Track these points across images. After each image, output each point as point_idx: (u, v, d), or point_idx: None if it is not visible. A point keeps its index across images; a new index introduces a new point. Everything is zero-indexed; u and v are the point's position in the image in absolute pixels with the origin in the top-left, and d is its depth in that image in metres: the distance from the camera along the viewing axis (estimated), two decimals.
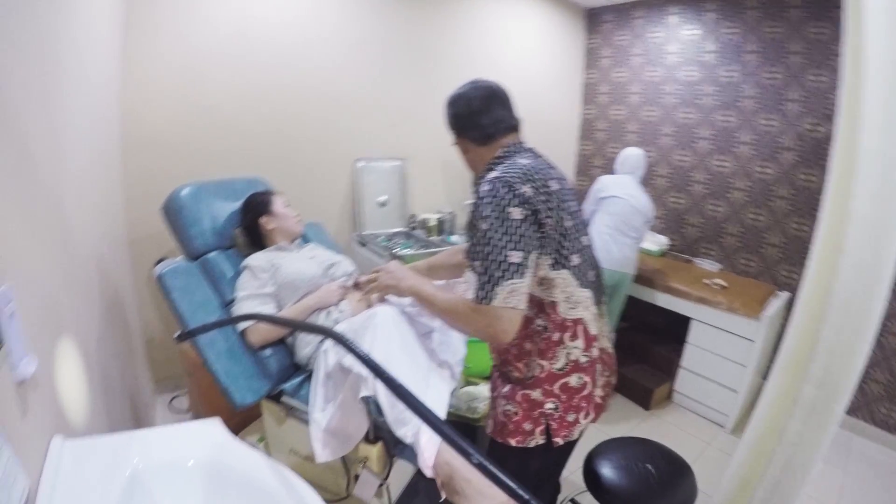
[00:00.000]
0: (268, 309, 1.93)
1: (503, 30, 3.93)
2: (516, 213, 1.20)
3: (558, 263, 1.28)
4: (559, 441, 1.38)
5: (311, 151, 3.19)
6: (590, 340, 1.38)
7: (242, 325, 1.88)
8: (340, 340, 1.11)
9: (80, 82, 1.57)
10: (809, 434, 1.21)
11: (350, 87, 3.26)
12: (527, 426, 1.39)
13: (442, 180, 3.92)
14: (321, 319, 1.95)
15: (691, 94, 3.78)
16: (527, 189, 1.22)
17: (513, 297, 1.19)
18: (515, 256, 1.18)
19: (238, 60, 2.77)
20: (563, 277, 1.29)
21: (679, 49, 3.83)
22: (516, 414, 1.39)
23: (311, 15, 2.99)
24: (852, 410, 3.32)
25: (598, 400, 1.45)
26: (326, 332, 1.21)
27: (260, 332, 1.88)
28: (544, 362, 1.36)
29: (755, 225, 3.53)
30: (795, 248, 3.36)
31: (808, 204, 3.28)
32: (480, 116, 1.43)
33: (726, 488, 1.34)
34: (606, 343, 1.49)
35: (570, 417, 1.38)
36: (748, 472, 1.27)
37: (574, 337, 1.35)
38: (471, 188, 1.45)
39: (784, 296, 3.26)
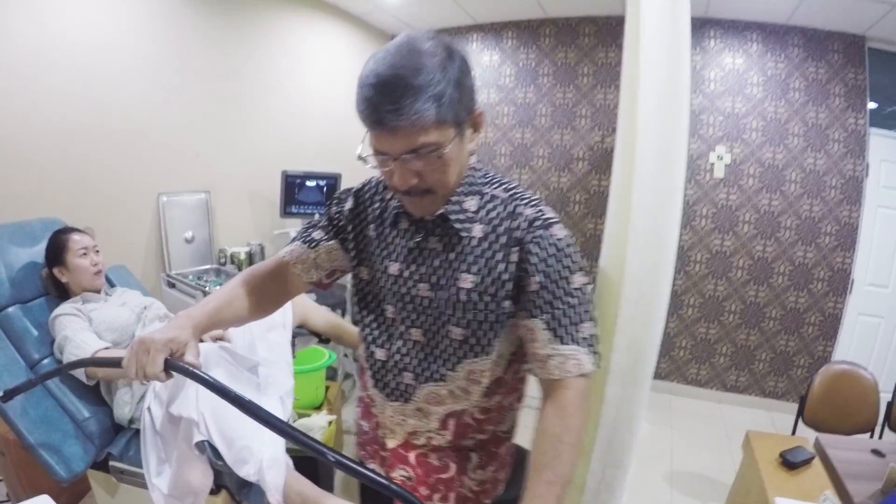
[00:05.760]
0: (102, 344, 1.75)
1: (310, 54, 3.94)
2: None
3: None
4: None
5: (115, 187, 2.88)
6: None
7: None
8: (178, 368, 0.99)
9: None
10: (627, 394, 1.37)
11: (154, 117, 3.02)
12: (501, 476, 1.24)
13: (249, 211, 3.79)
14: None
15: (490, 115, 4.13)
16: None
17: None
18: None
19: (33, 83, 2.42)
20: None
21: (479, 73, 4.16)
22: (501, 470, 1.24)
23: (116, 38, 2.75)
24: (667, 375, 3.95)
25: None
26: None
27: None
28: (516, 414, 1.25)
29: None
30: (594, 245, 3.82)
31: (600, 206, 3.76)
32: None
33: None
34: None
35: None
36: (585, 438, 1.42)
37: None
38: (445, 220, 1.02)
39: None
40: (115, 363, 1.05)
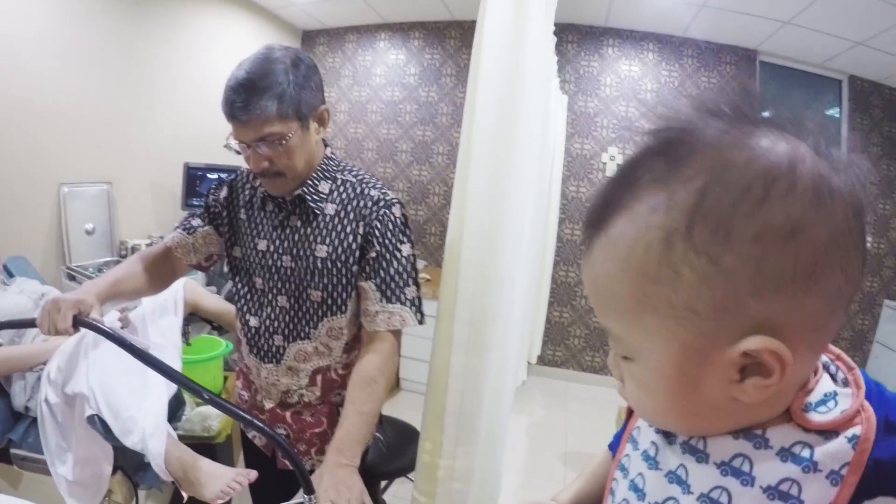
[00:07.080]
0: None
1: (221, 47, 3.92)
2: None
3: None
4: None
5: (14, 177, 2.79)
6: None
7: None
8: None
9: None
10: (471, 362, 1.49)
11: (55, 107, 2.94)
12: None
13: (151, 203, 3.74)
14: None
15: (393, 112, 4.27)
16: None
17: None
18: None
19: None
20: None
21: (384, 72, 4.29)
22: None
23: (17, 25, 2.66)
24: (562, 363, 4.20)
25: None
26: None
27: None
28: None
29: None
30: None
31: None
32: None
33: (424, 420, 1.59)
34: None
35: None
36: (436, 405, 1.52)
37: None
38: (310, 200, 1.22)
39: None
40: (30, 323, 1.19)
